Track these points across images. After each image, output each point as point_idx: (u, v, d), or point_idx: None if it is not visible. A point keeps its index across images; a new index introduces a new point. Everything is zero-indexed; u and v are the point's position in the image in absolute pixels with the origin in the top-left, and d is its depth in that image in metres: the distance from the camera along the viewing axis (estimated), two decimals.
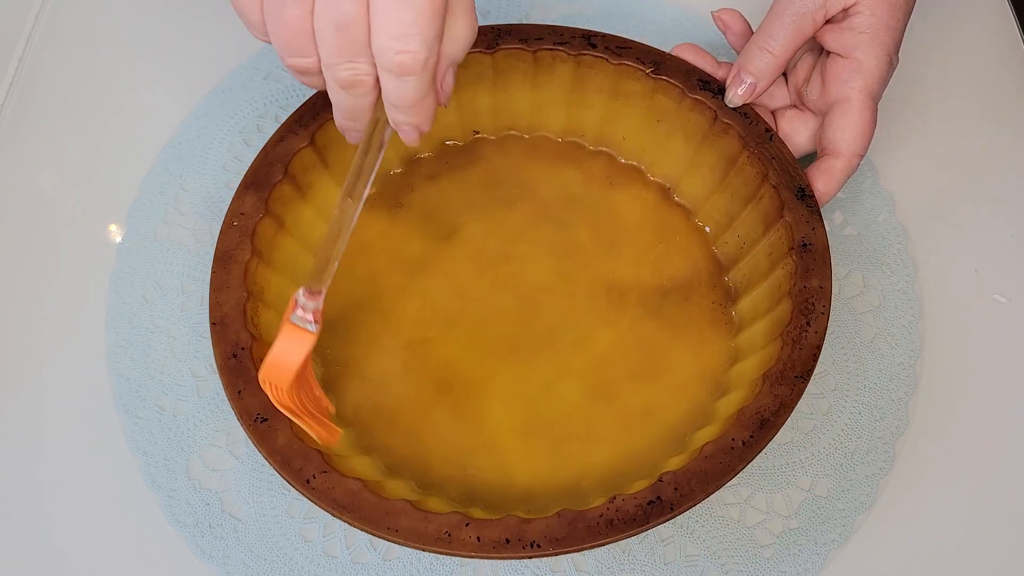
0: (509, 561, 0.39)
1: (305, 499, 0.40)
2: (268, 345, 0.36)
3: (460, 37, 0.33)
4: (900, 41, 0.42)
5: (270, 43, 0.33)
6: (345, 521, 0.34)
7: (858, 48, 0.41)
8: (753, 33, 0.43)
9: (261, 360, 0.36)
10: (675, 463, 0.37)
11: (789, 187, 0.41)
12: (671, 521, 0.35)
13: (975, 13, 0.53)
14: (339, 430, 0.38)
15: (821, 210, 0.41)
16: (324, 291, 0.36)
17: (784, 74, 0.45)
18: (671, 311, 0.43)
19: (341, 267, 0.43)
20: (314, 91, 0.43)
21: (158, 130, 0.48)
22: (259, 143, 0.45)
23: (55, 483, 0.41)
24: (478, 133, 0.47)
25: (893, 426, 0.42)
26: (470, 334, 0.42)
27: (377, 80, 0.33)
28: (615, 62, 0.43)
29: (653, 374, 0.41)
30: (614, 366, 0.41)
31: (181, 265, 0.45)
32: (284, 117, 0.44)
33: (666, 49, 0.44)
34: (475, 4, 0.33)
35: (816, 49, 0.44)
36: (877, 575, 0.39)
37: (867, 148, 0.42)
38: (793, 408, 0.36)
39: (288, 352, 0.36)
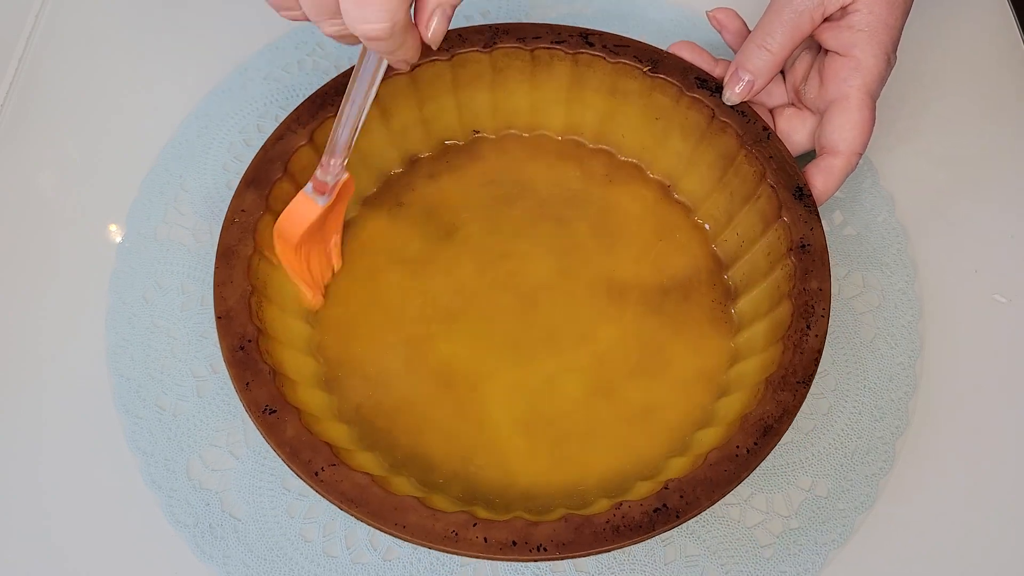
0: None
1: (305, 499, 0.40)
2: (273, 339, 0.37)
3: None
4: (898, 39, 0.42)
5: None
6: (353, 515, 0.34)
7: (856, 46, 0.41)
8: (750, 31, 0.43)
9: (267, 352, 0.37)
10: (676, 464, 0.37)
11: (787, 186, 0.41)
12: None
13: (974, 12, 0.52)
14: (322, 299, 0.42)
15: (820, 210, 0.41)
16: (335, 165, 0.38)
17: (782, 72, 0.45)
18: (671, 308, 0.43)
19: (341, 267, 0.44)
20: (313, 91, 0.43)
21: (158, 130, 0.48)
22: (259, 143, 0.45)
23: (55, 483, 0.41)
24: (478, 132, 0.47)
25: (893, 426, 0.42)
26: (471, 332, 0.42)
27: None
28: (612, 60, 0.43)
29: (653, 371, 0.41)
30: (615, 363, 0.41)
31: (181, 265, 0.45)
32: (284, 117, 0.44)
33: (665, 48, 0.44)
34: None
35: (814, 47, 0.44)
36: (877, 575, 0.39)
37: (866, 146, 0.42)
38: (796, 413, 0.36)
39: (293, 218, 0.39)
